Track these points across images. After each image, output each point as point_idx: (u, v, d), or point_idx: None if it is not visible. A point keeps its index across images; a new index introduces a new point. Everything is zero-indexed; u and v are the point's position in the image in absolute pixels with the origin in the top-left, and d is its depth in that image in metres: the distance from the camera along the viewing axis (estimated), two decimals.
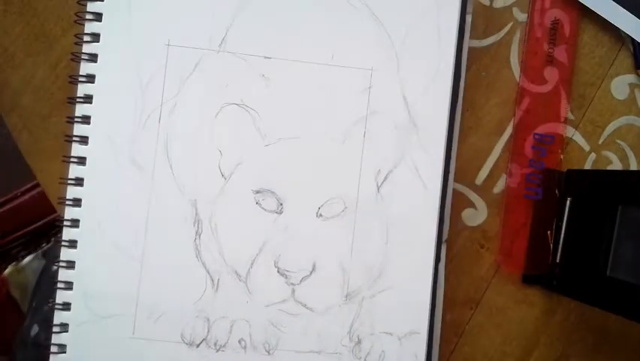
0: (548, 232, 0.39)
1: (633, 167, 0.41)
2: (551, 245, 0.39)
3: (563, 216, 0.38)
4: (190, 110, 0.36)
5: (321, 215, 0.36)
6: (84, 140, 0.36)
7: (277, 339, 0.36)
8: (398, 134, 0.36)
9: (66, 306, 0.35)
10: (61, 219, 0.35)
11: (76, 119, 0.36)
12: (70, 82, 0.36)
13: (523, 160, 0.40)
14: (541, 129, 0.40)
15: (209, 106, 0.36)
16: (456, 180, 0.39)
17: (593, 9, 0.39)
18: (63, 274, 0.35)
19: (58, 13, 0.38)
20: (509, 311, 0.40)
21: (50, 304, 0.35)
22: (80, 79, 0.36)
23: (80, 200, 0.35)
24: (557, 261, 0.38)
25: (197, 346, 0.36)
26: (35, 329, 0.43)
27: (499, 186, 0.40)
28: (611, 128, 0.41)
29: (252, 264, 0.36)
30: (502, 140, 0.40)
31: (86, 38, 0.36)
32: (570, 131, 0.41)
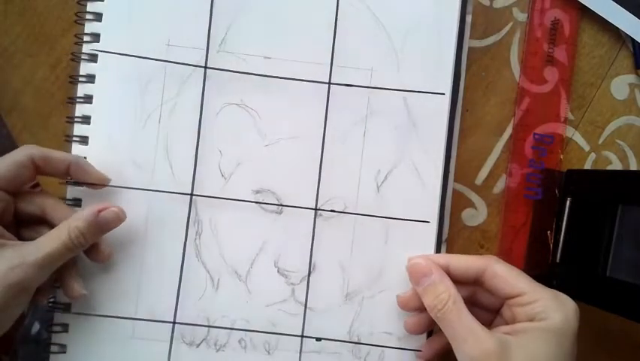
0: (548, 232, 0.39)
1: (633, 167, 0.41)
2: (551, 245, 0.39)
3: (563, 216, 0.38)
4: (190, 110, 0.36)
5: (321, 215, 0.36)
6: (84, 140, 0.36)
7: (277, 339, 0.36)
8: (398, 134, 0.36)
9: (66, 306, 0.35)
10: None
11: (76, 119, 0.36)
12: (70, 82, 0.36)
13: (523, 160, 0.40)
14: (541, 129, 0.40)
15: (209, 106, 0.36)
16: (456, 180, 0.39)
17: (593, 9, 0.39)
18: None
19: (58, 13, 0.38)
20: None
21: (50, 303, 0.35)
22: (80, 79, 0.36)
23: (79, 200, 0.35)
24: (557, 261, 0.38)
25: (197, 346, 0.36)
26: (36, 326, 0.44)
27: (499, 186, 0.40)
28: (611, 128, 0.41)
29: (252, 264, 0.36)
30: (502, 140, 0.40)
31: (86, 38, 0.36)
32: (570, 131, 0.41)
